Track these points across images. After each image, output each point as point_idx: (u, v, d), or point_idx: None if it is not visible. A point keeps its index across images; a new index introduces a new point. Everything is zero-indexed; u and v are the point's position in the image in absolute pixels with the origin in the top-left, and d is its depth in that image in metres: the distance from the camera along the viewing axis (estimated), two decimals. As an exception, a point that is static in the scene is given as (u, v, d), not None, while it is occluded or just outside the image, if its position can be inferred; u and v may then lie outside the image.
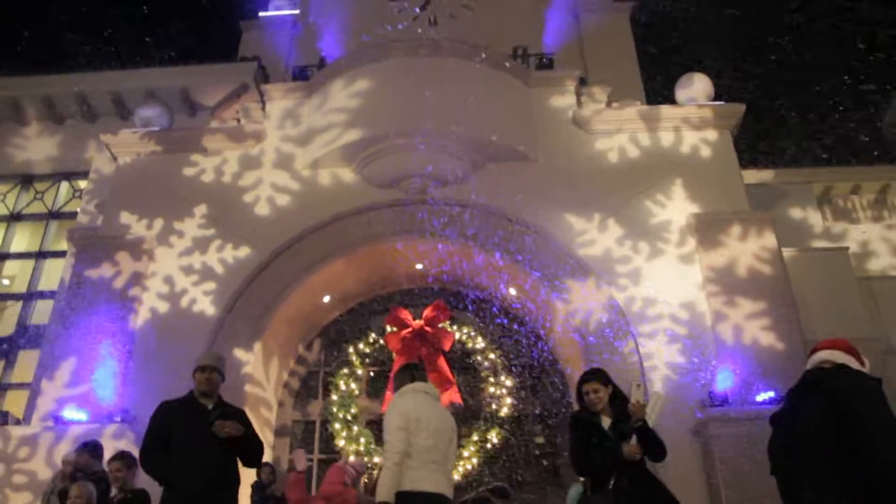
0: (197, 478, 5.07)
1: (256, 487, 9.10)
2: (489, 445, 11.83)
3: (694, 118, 12.65)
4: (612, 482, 5.04)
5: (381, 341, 12.79)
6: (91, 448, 7.85)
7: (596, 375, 5.57)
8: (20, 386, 13.03)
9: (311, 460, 12.11)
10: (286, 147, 12.95)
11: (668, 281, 11.45)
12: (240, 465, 5.54)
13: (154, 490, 7.06)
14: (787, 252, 11.86)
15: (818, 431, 3.64)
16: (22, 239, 15.20)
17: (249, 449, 5.45)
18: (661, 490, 5.19)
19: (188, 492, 5.05)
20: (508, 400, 12.16)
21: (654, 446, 5.21)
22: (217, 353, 6.32)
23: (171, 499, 5.12)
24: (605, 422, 5.38)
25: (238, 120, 13.54)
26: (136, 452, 7.43)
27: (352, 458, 9.71)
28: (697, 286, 11.39)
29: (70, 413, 10.78)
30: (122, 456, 7.29)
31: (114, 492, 7.27)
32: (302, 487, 6.63)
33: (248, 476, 6.97)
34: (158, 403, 5.71)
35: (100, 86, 15.05)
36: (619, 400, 5.47)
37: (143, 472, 5.40)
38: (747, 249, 11.49)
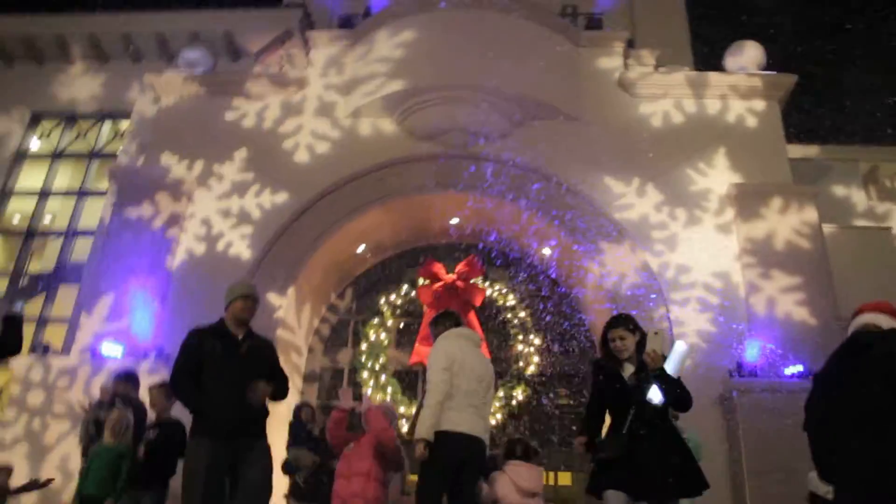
0: (228, 407, 5.11)
1: (295, 426, 9.17)
2: (514, 402, 11.92)
3: (742, 87, 12.44)
4: (626, 426, 4.81)
5: (413, 293, 12.88)
6: (128, 377, 8.02)
7: (622, 321, 5.18)
8: (59, 320, 13.29)
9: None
10: (328, 95, 12.95)
11: (703, 250, 11.38)
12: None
13: (186, 418, 7.26)
14: (828, 228, 11.70)
15: (868, 395, 3.56)
16: (64, 177, 15.39)
17: (276, 387, 5.49)
18: (677, 442, 4.90)
19: (219, 420, 5.09)
20: (536, 358, 12.22)
21: (676, 395, 4.87)
22: (254, 284, 6.36)
23: (201, 427, 5.17)
24: (628, 370, 5.10)
25: (281, 66, 13.55)
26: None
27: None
28: (733, 257, 11.31)
29: (107, 347, 11.02)
30: (164, 384, 7.45)
31: (150, 419, 7.47)
32: (344, 426, 6.66)
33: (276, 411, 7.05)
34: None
35: (145, 26, 15.09)
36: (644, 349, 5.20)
37: (174, 397, 5.43)
38: (787, 223, 11.36)
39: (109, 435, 7.03)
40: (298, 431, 9.01)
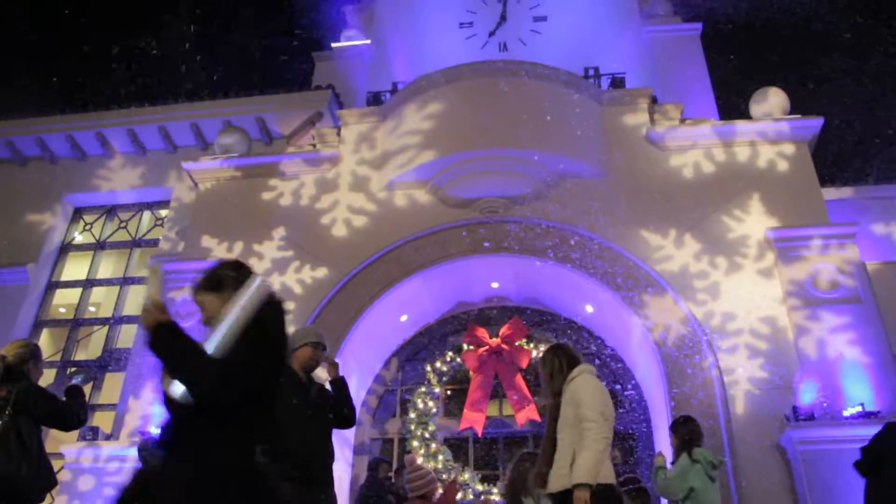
0: (306, 451, 5.10)
1: (371, 482, 9.00)
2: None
3: (770, 132, 12.49)
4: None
5: (458, 359, 12.85)
6: (144, 450, 8.11)
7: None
8: (107, 407, 13.40)
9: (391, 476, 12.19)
10: (361, 170, 13.19)
11: (747, 296, 11.27)
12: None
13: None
14: (872, 265, 11.60)
15: None
16: (107, 266, 15.77)
17: (346, 408, 5.50)
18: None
19: (299, 465, 5.03)
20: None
21: (179, 370, 3.02)
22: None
23: (279, 470, 5.07)
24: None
25: (314, 145, 13.86)
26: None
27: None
28: (778, 301, 11.19)
29: (156, 430, 11.04)
30: None
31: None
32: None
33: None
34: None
35: (180, 117, 15.58)
36: None
37: None
38: (829, 263, 11.25)
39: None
40: (374, 489, 8.86)
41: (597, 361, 12.70)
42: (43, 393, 5.10)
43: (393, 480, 9.07)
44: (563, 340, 5.60)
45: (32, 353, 5.23)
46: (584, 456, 4.61)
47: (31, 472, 4.84)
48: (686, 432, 7.16)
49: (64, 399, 5.24)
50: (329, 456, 5.36)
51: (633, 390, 12.42)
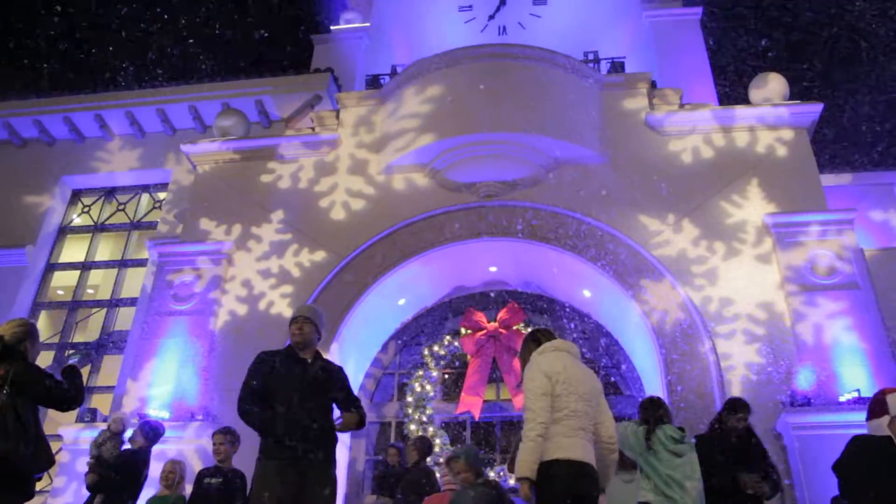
0: (298, 431, 5.11)
1: (380, 466, 9.25)
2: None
3: (769, 118, 12.48)
4: None
5: (456, 343, 12.88)
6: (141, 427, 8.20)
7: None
8: (105, 389, 13.44)
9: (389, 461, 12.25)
10: (360, 153, 13.16)
11: (745, 281, 11.29)
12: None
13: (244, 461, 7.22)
14: (869, 252, 11.61)
15: None
16: (105, 249, 15.75)
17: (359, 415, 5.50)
18: None
19: (290, 444, 5.05)
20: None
21: None
22: (313, 306, 6.12)
23: (271, 450, 5.12)
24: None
25: (313, 128, 13.83)
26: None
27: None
28: (775, 286, 11.21)
29: (154, 412, 11.07)
30: (227, 431, 7.52)
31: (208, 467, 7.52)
32: None
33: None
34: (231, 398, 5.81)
35: (178, 99, 15.53)
36: None
37: (241, 420, 5.34)
38: (827, 248, 11.28)
39: (163, 486, 7.11)
40: (382, 473, 9.04)
41: (593, 346, 12.74)
42: (40, 372, 5.10)
43: (391, 465, 9.22)
44: (539, 326, 5.54)
45: (29, 332, 5.22)
46: (521, 449, 4.64)
47: (28, 450, 4.84)
48: (647, 416, 6.66)
49: (60, 379, 5.23)
50: (328, 435, 5.34)
51: (630, 374, 12.45)
